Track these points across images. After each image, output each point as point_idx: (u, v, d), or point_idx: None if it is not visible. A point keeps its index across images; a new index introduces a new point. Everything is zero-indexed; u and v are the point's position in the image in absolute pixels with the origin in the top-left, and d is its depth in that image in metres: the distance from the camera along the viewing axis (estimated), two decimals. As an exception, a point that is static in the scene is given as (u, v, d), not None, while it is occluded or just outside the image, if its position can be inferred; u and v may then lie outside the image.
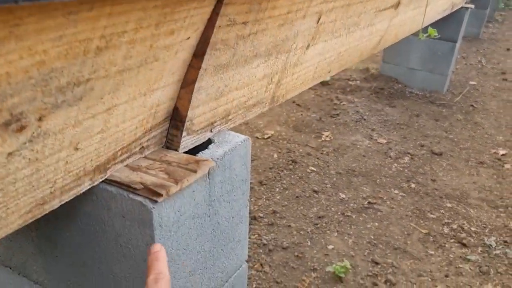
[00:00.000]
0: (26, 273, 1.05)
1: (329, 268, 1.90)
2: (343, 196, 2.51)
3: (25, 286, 1.07)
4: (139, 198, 0.73)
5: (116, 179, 0.76)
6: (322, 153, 2.95)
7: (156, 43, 0.65)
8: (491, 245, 2.22)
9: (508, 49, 6.00)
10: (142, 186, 0.74)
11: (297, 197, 2.45)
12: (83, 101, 0.59)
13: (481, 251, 2.18)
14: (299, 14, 1.02)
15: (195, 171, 0.78)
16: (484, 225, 2.37)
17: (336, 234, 2.19)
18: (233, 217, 0.97)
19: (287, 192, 2.49)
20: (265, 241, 2.06)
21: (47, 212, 0.67)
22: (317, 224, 2.25)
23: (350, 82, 4.29)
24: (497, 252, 2.17)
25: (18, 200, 0.61)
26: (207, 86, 0.84)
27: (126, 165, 0.80)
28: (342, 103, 3.79)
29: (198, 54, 0.78)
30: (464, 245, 2.20)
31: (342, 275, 1.87)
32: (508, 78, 4.82)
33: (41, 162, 0.60)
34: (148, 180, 0.75)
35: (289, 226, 2.21)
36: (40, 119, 0.54)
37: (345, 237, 2.17)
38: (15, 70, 0.45)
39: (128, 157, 0.79)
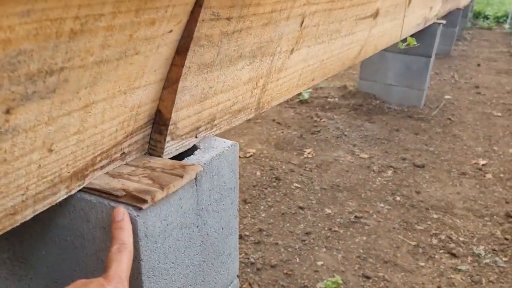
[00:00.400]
0: (-2, 301, 0.96)
1: (320, 285, 1.84)
2: (329, 211, 2.46)
3: (-3, 316, 0.98)
4: (121, 206, 0.67)
5: (95, 187, 0.69)
6: (305, 170, 2.91)
7: (136, 33, 0.60)
8: (480, 254, 2.19)
9: (478, 65, 6.13)
10: (125, 193, 0.67)
11: (282, 214, 2.39)
12: (57, 94, 0.53)
13: (471, 260, 2.14)
14: (283, 15, 0.99)
15: (181, 176, 0.73)
16: (472, 235, 2.34)
17: (324, 249, 2.13)
18: (222, 228, 0.91)
19: (272, 209, 2.43)
20: (252, 260, 1.99)
21: (18, 223, 0.61)
22: (304, 240, 2.19)
23: (328, 100, 4.29)
24: (487, 261, 2.14)
25: (-15, 209, 0.54)
26: (191, 87, 0.79)
27: (106, 173, 0.73)
28: (322, 120, 3.77)
29: (181, 50, 0.73)
30: (453, 255, 2.17)
31: (334, 291, 1.80)
32: (482, 91, 4.90)
33: (10, 164, 0.53)
34: (131, 187, 0.69)
35: (277, 243, 2.15)
36: (7, 112, 0.48)
37: (334, 253, 2.11)
38: (-24, 47, 0.39)
39: (108, 164, 0.73)
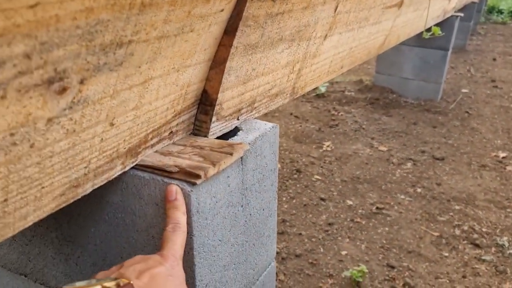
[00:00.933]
0: (44, 280, 0.98)
1: (345, 273, 1.84)
2: (351, 202, 2.46)
3: (42, 295, 1.00)
4: (175, 182, 0.68)
5: (148, 164, 0.71)
6: (325, 162, 2.91)
7: (194, 10, 0.61)
8: (504, 245, 2.18)
9: (494, 59, 6.08)
10: (178, 169, 0.69)
11: (305, 205, 2.40)
12: (123, 67, 0.55)
13: (494, 251, 2.14)
14: (320, -1, 1.00)
15: (231, 154, 0.74)
16: (495, 226, 2.33)
17: (347, 240, 2.13)
18: (263, 209, 0.92)
19: (294, 201, 2.44)
20: (277, 250, 2.00)
21: (79, 196, 0.62)
22: (327, 231, 2.19)
23: (345, 94, 4.29)
24: (511, 251, 2.13)
25: (53, 179, 0.55)
26: (237, 67, 0.80)
27: (156, 151, 0.75)
28: (339, 114, 3.77)
29: (230, 30, 0.74)
30: (477, 245, 2.16)
31: (360, 279, 1.81)
32: (499, 85, 4.86)
33: (78, 135, 0.55)
34: (183, 163, 0.70)
35: (300, 234, 2.16)
36: (81, 82, 0.49)
37: (357, 243, 2.12)
38: (64, 13, 0.41)
39: (158, 142, 0.74)
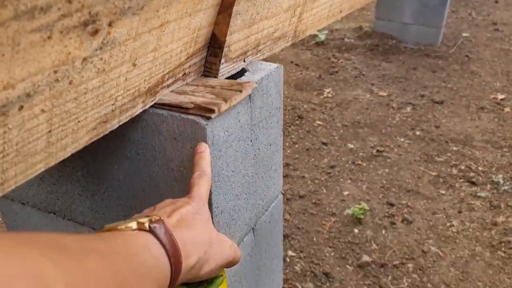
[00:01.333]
0: (72, 216, 1.07)
1: (347, 211, 1.95)
2: (352, 146, 2.55)
3: (71, 229, 1.10)
4: (191, 117, 0.75)
5: (165, 102, 0.78)
6: (326, 108, 2.98)
7: (204, -44, 0.66)
8: (499, 182, 2.27)
9: (496, 1, 6.01)
10: (193, 105, 0.76)
11: (307, 149, 2.49)
12: (144, 11, 0.61)
13: (490, 188, 2.23)
14: None
15: (240, 91, 0.81)
16: (491, 165, 2.42)
17: (349, 181, 2.23)
18: (270, 145, 1.00)
19: (296, 145, 2.52)
20: (282, 191, 2.10)
21: (108, 131, 0.70)
22: (330, 173, 2.29)
23: (345, 41, 4.30)
24: (506, 188, 2.23)
25: (87, 114, 0.63)
26: (243, 11, 0.86)
27: (172, 91, 0.82)
28: (339, 61, 3.80)
29: (235, -25, 0.79)
30: (473, 183, 2.26)
31: (362, 216, 1.91)
32: (500, 28, 4.85)
33: (107, 74, 0.61)
34: (198, 100, 0.77)
35: (303, 176, 2.25)
36: (110, 25, 0.56)
37: (359, 184, 2.22)
38: (98, -39, 0.47)
39: (173, 82, 0.81)
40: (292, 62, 3.76)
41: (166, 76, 0.78)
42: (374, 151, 2.51)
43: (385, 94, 3.25)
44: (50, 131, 0.57)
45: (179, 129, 0.78)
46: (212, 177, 0.80)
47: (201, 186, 0.67)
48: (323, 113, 2.91)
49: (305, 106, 2.99)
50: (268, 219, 1.08)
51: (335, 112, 2.93)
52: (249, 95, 0.86)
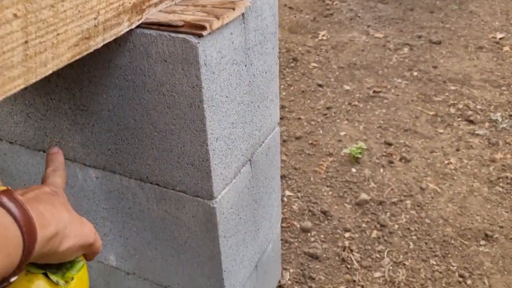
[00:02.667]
0: (62, 153, 1.03)
1: (345, 151, 1.93)
2: (348, 88, 2.50)
3: (61, 167, 1.06)
4: (181, 36, 0.70)
5: (153, 21, 0.72)
6: (321, 51, 2.91)
7: None
8: (498, 120, 2.25)
9: None
10: (183, 23, 0.71)
11: (302, 91, 2.44)
12: None
13: (488, 126, 2.21)
14: None
15: (233, 9, 0.75)
16: (489, 103, 2.39)
17: (346, 122, 2.20)
18: (266, 72, 0.96)
19: (292, 88, 2.47)
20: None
21: (92, 49, 0.65)
22: (326, 114, 2.25)
23: (340, -18, 4.16)
24: (504, 125, 2.20)
25: (67, 27, 0.58)
26: None
27: (160, 11, 0.76)
28: (334, 3, 3.69)
29: None
30: (471, 122, 2.23)
31: (359, 155, 1.89)
32: (499, -34, 4.70)
33: (86, -19, 0.56)
34: (188, 18, 0.72)
35: (299, 118, 2.22)
36: None
37: (356, 124, 2.18)
38: None
39: (160, 1, 0.76)
40: (285, 5, 3.65)
41: (153, -7, 0.72)
42: (371, 92, 2.47)
43: (381, 35, 3.17)
44: (26, 42, 0.53)
45: (169, 50, 0.73)
46: (206, 101, 0.76)
47: (56, 176, 0.61)
48: (318, 55, 2.84)
49: (299, 49, 2.92)
50: (265, 151, 1.05)
51: (331, 55, 2.86)
52: (243, 15, 0.81)
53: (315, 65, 2.71)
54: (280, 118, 2.21)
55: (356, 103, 2.36)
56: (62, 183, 0.61)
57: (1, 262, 0.40)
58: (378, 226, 1.61)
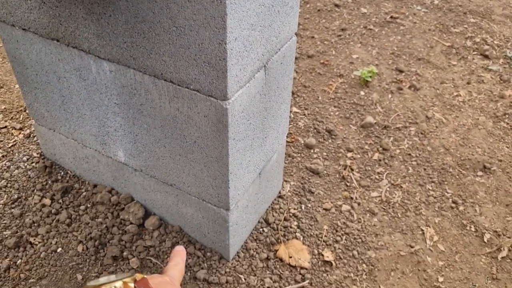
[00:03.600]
0: (76, 43, 1.03)
1: (355, 73, 1.91)
2: (365, 10, 2.43)
3: (76, 59, 1.06)
4: None
5: None
6: (341, -30, 2.80)
7: None
8: (513, 57, 2.21)
9: None
10: None
11: (318, 10, 2.38)
12: None
13: (502, 62, 2.18)
14: None
15: None
16: (507, 39, 2.34)
17: (359, 45, 2.17)
18: (289, -23, 0.93)
19: (308, 6, 2.41)
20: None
21: None
22: (340, 35, 2.21)
23: None
24: (518, 63, 2.17)
25: None
26: None
27: None
28: None
29: None
30: (486, 56, 2.20)
31: (369, 79, 1.88)
32: None
33: None
34: None
35: (313, 37, 2.18)
36: None
37: (369, 48, 2.15)
38: None
39: None
40: None
41: None
42: (388, 17, 2.40)
43: (405, -41, 3.03)
44: None
45: None
46: (228, -2, 0.74)
47: (176, 271, 0.70)
48: (338, -26, 2.73)
49: (319, -34, 2.81)
50: (280, 59, 1.04)
51: (351, -25, 2.75)
52: None
53: (334, -17, 2.62)
54: (293, 35, 2.17)
55: (372, 27, 2.31)
56: (179, 277, 0.70)
57: None
58: (380, 149, 1.63)
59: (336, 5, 2.43)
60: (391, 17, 2.40)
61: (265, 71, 0.99)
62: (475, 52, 2.23)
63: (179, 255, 0.78)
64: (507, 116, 1.83)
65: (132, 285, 0.52)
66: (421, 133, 1.71)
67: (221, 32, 0.78)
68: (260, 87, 1.00)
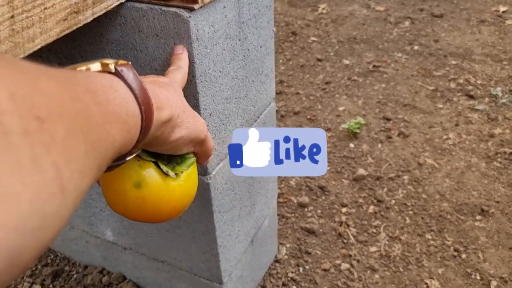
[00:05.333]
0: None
1: (343, 126, 1.92)
2: (347, 62, 2.48)
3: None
4: (172, 9, 0.69)
5: (144, -6, 0.71)
6: (321, 24, 2.87)
7: None
8: (498, 95, 2.23)
9: None
10: (175, -4, 0.69)
11: (301, 66, 2.42)
12: None
13: (488, 101, 2.20)
14: None
15: (226, -19, 0.74)
16: (490, 78, 2.37)
17: (345, 97, 2.19)
18: (261, 47, 0.94)
19: (291, 62, 2.45)
20: (276, 108, 2.06)
21: (81, 24, 0.63)
22: (325, 89, 2.24)
23: (341, -46, 4.08)
24: (504, 100, 2.19)
25: (54, 1, 0.56)
26: None
27: (151, -16, 0.75)
28: (335, -25, 3.63)
29: None
30: (471, 97, 2.22)
31: (357, 131, 1.89)
32: None
33: (72, -48, 0.55)
34: (179, -9, 0.70)
35: (298, 93, 2.20)
36: None
37: (355, 99, 2.17)
38: None
39: (152, -26, 0.74)
40: (285, -23, 3.59)
41: (143, -35, 0.71)
42: (371, 66, 2.44)
43: (382, 9, 3.12)
44: (12, 16, 0.52)
45: (161, 24, 0.72)
46: (199, 77, 0.75)
47: (176, 74, 0.63)
48: (317, 29, 2.80)
49: (299, 23, 2.88)
50: (260, 126, 1.04)
51: (330, 28, 2.82)
52: (236, -12, 0.79)
53: (315, 39, 2.68)
54: (279, 93, 2.20)
55: (356, 77, 2.34)
56: (181, 81, 0.62)
57: (122, 138, 0.37)
58: (375, 201, 1.61)
59: (319, 59, 2.47)
60: (374, 66, 2.44)
61: (246, 140, 0.99)
62: (460, 93, 2.25)
63: (181, 58, 0.68)
64: (499, 155, 1.82)
65: (112, 67, 0.42)
66: (415, 181, 1.69)
67: (195, 109, 0.78)
68: (242, 156, 0.99)
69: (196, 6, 0.68)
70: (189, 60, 0.72)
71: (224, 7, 0.77)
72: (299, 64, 2.44)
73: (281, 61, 2.46)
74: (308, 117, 2.03)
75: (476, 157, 1.82)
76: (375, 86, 2.28)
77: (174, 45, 0.72)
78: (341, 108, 2.10)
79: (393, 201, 1.61)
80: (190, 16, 0.69)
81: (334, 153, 1.83)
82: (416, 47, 2.64)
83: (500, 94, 2.24)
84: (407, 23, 2.93)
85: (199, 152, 0.61)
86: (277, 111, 2.06)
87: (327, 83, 2.29)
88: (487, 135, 1.94)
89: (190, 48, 0.71)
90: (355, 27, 2.87)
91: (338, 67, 2.43)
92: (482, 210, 1.57)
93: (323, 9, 3.10)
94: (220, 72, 0.81)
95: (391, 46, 2.65)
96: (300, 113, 2.06)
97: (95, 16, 0.66)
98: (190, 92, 0.76)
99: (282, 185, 1.68)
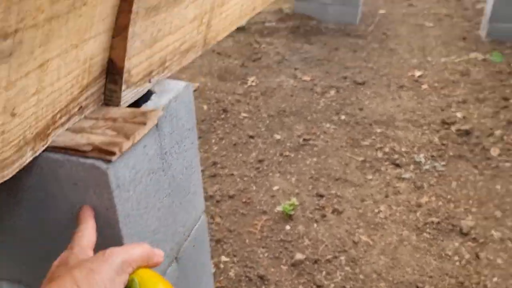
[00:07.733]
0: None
1: (278, 208, 1.93)
2: (279, 137, 2.53)
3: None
4: (90, 161, 0.67)
5: (60, 145, 0.69)
6: (251, 98, 2.94)
7: (84, -15, 0.58)
8: (421, 162, 2.35)
9: (408, -24, 6.19)
10: (91, 147, 0.68)
11: (234, 144, 2.44)
12: (14, 57, 0.52)
13: (413, 168, 2.30)
14: None
15: (144, 123, 0.73)
16: (413, 144, 2.50)
17: (278, 174, 2.22)
18: (186, 168, 0.94)
19: (223, 141, 2.47)
20: (211, 193, 2.05)
21: (-9, 189, 0.60)
22: (258, 168, 2.26)
23: (266, 25, 4.26)
24: (427, 167, 2.30)
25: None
26: (141, 32, 0.78)
27: (67, 129, 0.73)
28: (262, 46, 3.76)
29: (128, -4, 0.71)
30: (397, 165, 2.32)
31: (292, 212, 1.90)
32: (413, 3, 4.99)
33: (-25, 133, 0.52)
34: (97, 140, 0.69)
35: (232, 174, 2.21)
36: (-32, 83, 0.47)
37: (288, 176, 2.20)
38: None
39: (68, 120, 0.72)
40: (214, 51, 3.67)
41: (58, 115, 0.69)
42: (301, 140, 2.51)
43: (308, 78, 3.25)
44: None
45: (79, 174, 0.69)
46: (122, 221, 0.73)
47: (81, 240, 0.66)
48: (248, 104, 2.86)
49: (229, 98, 2.93)
50: (191, 243, 1.02)
51: (260, 102, 2.89)
52: (156, 124, 0.79)
53: (245, 115, 2.73)
54: (213, 176, 2.19)
55: (287, 153, 2.39)
56: (88, 242, 0.66)
57: None
58: (314, 287, 1.61)
59: (251, 136, 2.51)
60: (304, 139, 2.51)
61: (177, 263, 0.96)
62: (387, 162, 2.34)
63: (85, 220, 0.69)
64: (427, 225, 1.89)
65: None
66: (352, 261, 1.71)
67: (120, 251, 0.76)
68: (175, 279, 0.96)
69: (113, 158, 0.67)
70: (111, 208, 0.70)
71: (145, 146, 0.76)
72: (231, 142, 2.46)
73: (213, 140, 2.48)
74: (244, 200, 2.03)
75: (406, 229, 1.88)
76: (307, 161, 2.33)
77: (94, 193, 0.70)
78: (275, 188, 2.12)
79: (332, 285, 1.62)
80: (108, 168, 0.67)
81: (271, 237, 1.82)
82: (343, 117, 2.75)
83: (423, 160, 2.36)
84: (332, 92, 3.06)
85: (141, 265, 0.63)
86: (212, 196, 2.04)
87: (260, 161, 2.31)
88: (415, 205, 2.02)
89: (111, 196, 0.69)
90: (284, 98, 2.96)
91: (270, 143, 2.47)
92: (417, 287, 1.60)
93: (252, 81, 3.18)
94: (145, 208, 0.79)
95: (319, 117, 2.75)
96: (235, 197, 2.06)
97: (5, 179, 0.63)
98: (114, 238, 0.74)
99: (222, 277, 1.65)
